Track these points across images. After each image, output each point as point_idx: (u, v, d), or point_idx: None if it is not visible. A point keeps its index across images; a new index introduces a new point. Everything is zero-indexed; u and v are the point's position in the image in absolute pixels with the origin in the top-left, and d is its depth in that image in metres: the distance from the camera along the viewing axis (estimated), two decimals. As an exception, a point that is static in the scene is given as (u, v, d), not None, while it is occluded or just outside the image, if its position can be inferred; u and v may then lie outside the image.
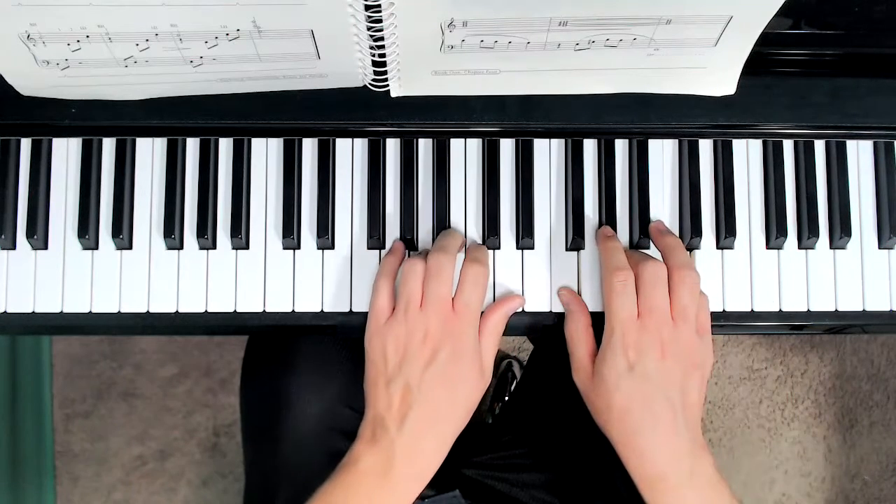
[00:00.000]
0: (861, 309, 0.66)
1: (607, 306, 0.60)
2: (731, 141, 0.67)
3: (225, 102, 0.63)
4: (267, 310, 0.64)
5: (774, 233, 0.65)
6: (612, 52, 0.58)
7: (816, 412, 1.40)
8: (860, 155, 0.67)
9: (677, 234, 0.66)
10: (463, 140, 0.66)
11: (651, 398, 0.57)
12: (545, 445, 0.79)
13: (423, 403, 0.58)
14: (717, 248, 0.66)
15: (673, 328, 0.59)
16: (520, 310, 0.64)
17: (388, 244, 0.65)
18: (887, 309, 0.66)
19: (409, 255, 0.65)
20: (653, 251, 0.65)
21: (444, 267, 0.60)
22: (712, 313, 0.64)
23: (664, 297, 0.59)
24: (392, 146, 0.66)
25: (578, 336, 0.62)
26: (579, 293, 0.65)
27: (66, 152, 0.66)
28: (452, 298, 0.60)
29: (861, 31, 0.63)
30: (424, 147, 0.66)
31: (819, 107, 0.65)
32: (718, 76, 0.62)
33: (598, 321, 0.62)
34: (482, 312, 0.62)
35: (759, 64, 0.61)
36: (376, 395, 0.59)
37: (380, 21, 0.55)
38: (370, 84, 0.62)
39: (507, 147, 0.66)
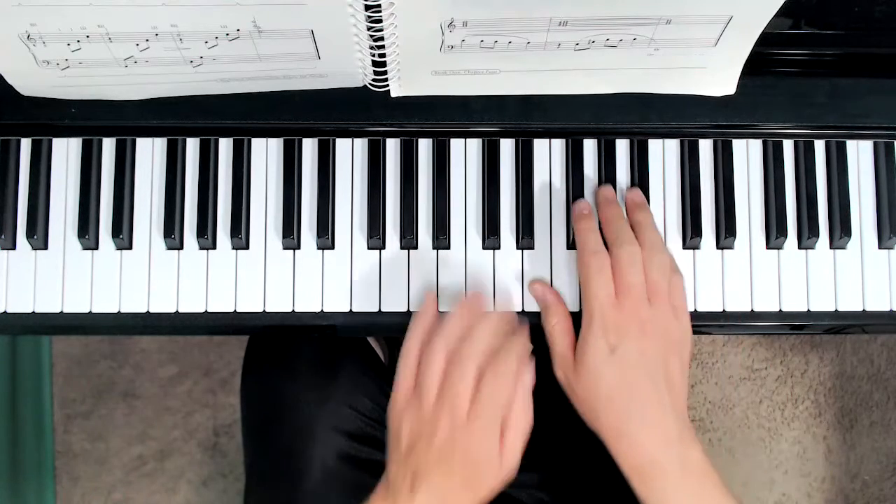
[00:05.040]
0: (861, 309, 0.66)
1: (584, 288, 0.60)
2: (731, 141, 0.67)
3: (225, 102, 0.63)
4: (267, 310, 0.64)
5: (774, 233, 0.65)
6: (612, 52, 0.58)
7: (816, 412, 1.39)
8: (860, 155, 0.67)
9: (678, 234, 0.66)
10: (463, 140, 0.66)
11: (635, 380, 0.57)
12: (543, 446, 0.79)
13: (432, 492, 0.55)
14: (717, 248, 0.66)
15: (650, 307, 0.59)
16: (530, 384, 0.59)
17: (388, 244, 0.65)
18: (887, 309, 0.66)
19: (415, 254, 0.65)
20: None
21: (466, 363, 0.57)
22: (712, 313, 0.64)
23: (640, 276, 0.59)
24: (392, 146, 0.66)
25: (560, 328, 0.61)
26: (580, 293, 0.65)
27: (66, 152, 0.65)
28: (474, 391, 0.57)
29: (861, 31, 0.63)
30: (424, 147, 0.66)
31: (819, 107, 0.65)
32: (718, 76, 0.62)
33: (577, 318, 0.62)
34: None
35: (759, 64, 0.61)
36: (391, 463, 0.58)
37: (380, 21, 0.55)
38: (370, 84, 0.62)
39: (507, 147, 0.66)
